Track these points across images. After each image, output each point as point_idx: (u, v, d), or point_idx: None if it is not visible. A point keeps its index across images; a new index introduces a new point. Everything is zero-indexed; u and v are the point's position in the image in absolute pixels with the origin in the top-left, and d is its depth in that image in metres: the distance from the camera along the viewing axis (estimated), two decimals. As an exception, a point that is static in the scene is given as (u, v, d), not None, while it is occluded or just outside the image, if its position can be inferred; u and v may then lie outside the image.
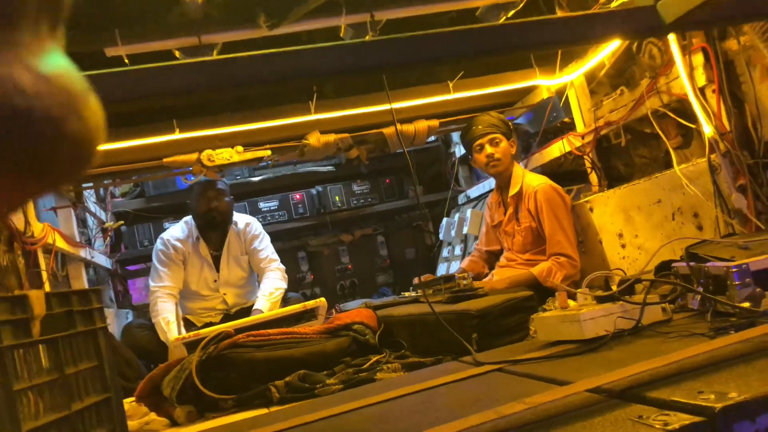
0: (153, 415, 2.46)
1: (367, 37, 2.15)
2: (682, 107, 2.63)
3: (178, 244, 3.68)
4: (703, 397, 1.01)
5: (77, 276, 3.37)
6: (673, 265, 1.90)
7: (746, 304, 1.52)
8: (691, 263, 1.78)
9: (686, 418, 0.95)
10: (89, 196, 3.95)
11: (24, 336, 1.12)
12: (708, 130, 2.38)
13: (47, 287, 2.73)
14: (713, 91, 2.40)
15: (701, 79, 2.43)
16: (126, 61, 2.10)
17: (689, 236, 2.49)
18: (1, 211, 0.23)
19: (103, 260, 3.97)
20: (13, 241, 2.51)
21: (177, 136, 3.01)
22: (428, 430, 1.13)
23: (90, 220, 3.90)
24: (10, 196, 0.22)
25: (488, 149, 3.22)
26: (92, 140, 0.22)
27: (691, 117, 2.53)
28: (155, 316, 3.43)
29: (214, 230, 3.71)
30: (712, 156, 2.41)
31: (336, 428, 1.47)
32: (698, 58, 2.43)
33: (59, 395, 1.19)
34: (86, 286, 3.48)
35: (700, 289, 1.70)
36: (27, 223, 2.50)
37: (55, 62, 0.21)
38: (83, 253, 3.43)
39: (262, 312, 3.40)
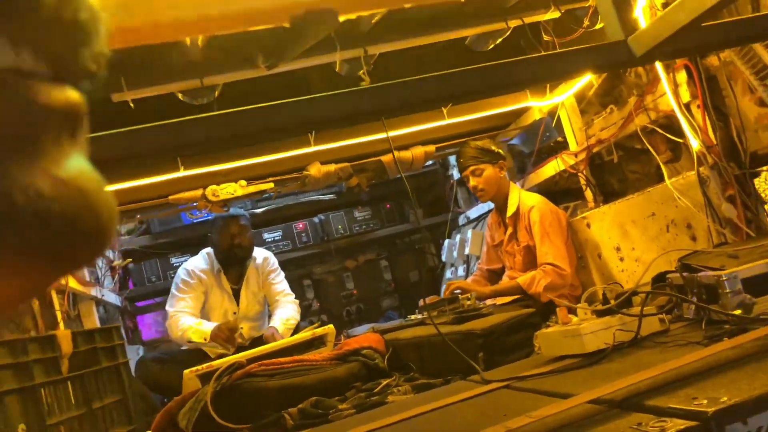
0: (170, 449, 2.49)
1: (360, 72, 2.25)
2: (670, 123, 2.72)
3: (203, 275, 3.73)
4: (696, 402, 1.07)
5: (88, 314, 3.43)
6: (668, 276, 1.96)
7: (738, 312, 1.59)
8: (685, 274, 1.85)
9: (681, 424, 1.01)
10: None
11: (54, 373, 1.19)
12: (695, 144, 2.47)
13: (62, 326, 2.80)
14: (698, 106, 2.49)
15: (686, 95, 2.52)
16: (131, 105, 2.20)
17: (684, 247, 2.56)
18: (22, 298, 0.26)
19: (112, 298, 4.04)
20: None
21: (181, 173, 3.09)
22: (441, 446, 1.20)
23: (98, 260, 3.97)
24: (29, 285, 0.25)
25: (472, 181, 3.32)
26: (105, 233, 0.26)
27: (679, 132, 2.62)
28: (180, 330, 3.44)
29: (234, 264, 3.77)
30: (701, 168, 2.49)
31: (352, 450, 1.53)
32: (682, 76, 2.52)
33: (88, 428, 1.25)
34: (97, 324, 3.54)
35: (694, 299, 1.76)
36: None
37: (73, 166, 0.25)
38: (94, 291, 3.50)
39: (277, 329, 3.46)
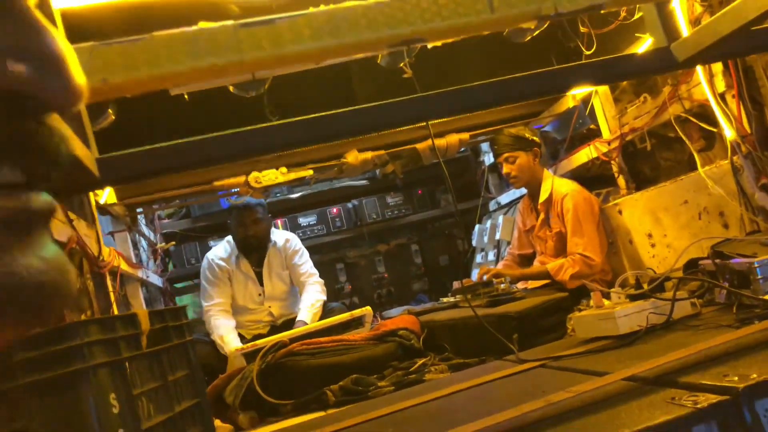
0: (218, 422, 2.63)
1: (402, 64, 2.33)
2: (704, 112, 2.75)
3: (222, 263, 3.89)
4: (728, 379, 1.16)
5: (135, 295, 3.59)
6: (700, 262, 2.03)
7: (769, 297, 1.65)
8: (717, 260, 1.92)
9: (714, 398, 1.10)
10: (141, 219, 4.19)
11: (136, 349, 1.31)
12: (729, 133, 2.51)
13: (114, 307, 2.95)
14: (733, 96, 2.53)
15: (721, 85, 2.56)
16: (186, 97, 2.31)
17: (715, 234, 2.61)
18: (10, 343, 0.34)
19: (155, 279, 4.21)
20: (83, 265, 2.73)
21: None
22: (485, 418, 1.29)
23: (142, 242, 4.14)
24: (19, 334, 0.33)
25: (505, 168, 3.40)
26: (73, 293, 0.35)
27: (713, 121, 2.65)
28: (212, 333, 3.64)
29: (253, 250, 3.92)
30: (735, 158, 2.53)
31: (396, 423, 1.62)
32: (717, 66, 2.55)
33: (164, 399, 1.38)
34: (143, 304, 3.71)
35: (726, 284, 1.83)
36: (99, 248, 2.73)
37: (51, 248, 0.33)
38: (140, 273, 3.66)
39: (306, 323, 3.59)
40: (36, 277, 0.32)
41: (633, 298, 1.93)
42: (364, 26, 0.72)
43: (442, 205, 5.67)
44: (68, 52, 0.33)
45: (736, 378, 1.14)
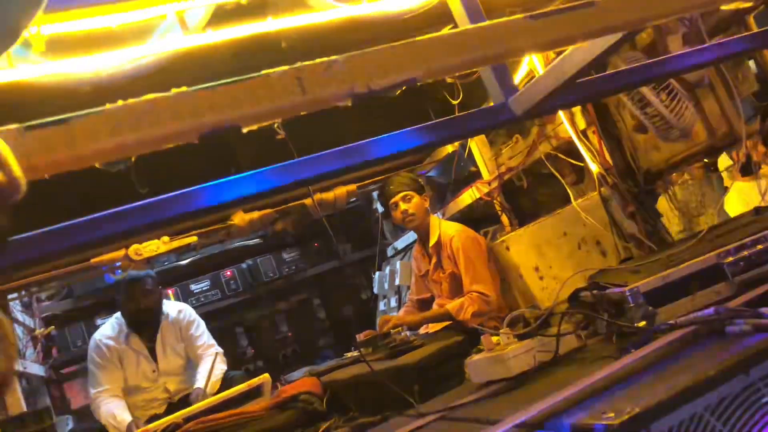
0: None
1: (276, 126, 2.30)
2: (571, 148, 2.91)
3: (111, 342, 3.64)
4: (606, 416, 1.18)
5: (11, 391, 3.28)
6: (580, 294, 2.10)
7: (642, 323, 1.73)
8: (594, 291, 1.99)
9: (596, 438, 1.12)
10: (14, 306, 3.87)
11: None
12: (594, 167, 2.66)
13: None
14: (593, 132, 2.69)
15: (581, 123, 2.72)
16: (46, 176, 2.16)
17: (596, 262, 2.74)
18: None
19: (36, 369, 3.87)
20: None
21: (101, 234, 3.04)
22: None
23: (18, 330, 3.81)
24: None
25: (402, 206, 3.42)
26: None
27: (580, 156, 2.81)
28: (103, 420, 3.37)
29: (145, 326, 3.70)
30: (602, 189, 2.68)
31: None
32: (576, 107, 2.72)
33: None
34: (21, 398, 3.39)
35: (605, 315, 1.90)
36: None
37: None
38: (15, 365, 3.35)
39: (202, 388, 3.41)
40: None
41: (521, 337, 1.96)
42: (168, 118, 0.69)
43: (341, 254, 5.64)
44: (4, 149, 0.34)
45: (613, 414, 1.17)
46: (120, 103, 0.66)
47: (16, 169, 0.30)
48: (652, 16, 0.97)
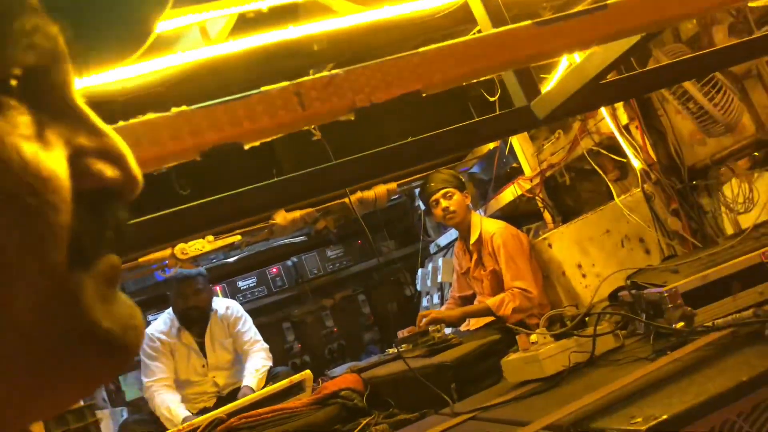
0: None
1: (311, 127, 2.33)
2: (614, 143, 2.85)
3: (163, 337, 3.77)
4: (633, 421, 1.16)
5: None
6: (619, 294, 2.07)
7: (680, 325, 1.69)
8: (633, 291, 1.95)
9: (620, 444, 1.10)
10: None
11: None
12: (636, 163, 2.60)
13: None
14: (636, 127, 2.63)
15: (624, 118, 2.66)
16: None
17: (639, 260, 2.68)
18: (79, 399, 0.41)
19: (91, 362, 4.03)
20: None
21: (149, 234, 3.14)
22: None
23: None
24: (93, 388, 0.37)
25: (443, 203, 3.42)
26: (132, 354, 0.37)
27: (622, 152, 2.75)
28: (157, 409, 3.49)
29: (194, 322, 3.82)
30: (645, 185, 2.62)
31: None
32: (617, 100, 2.66)
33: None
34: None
35: (643, 315, 1.86)
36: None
37: (124, 302, 0.36)
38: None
39: (252, 387, 3.49)
40: (127, 323, 0.35)
41: (558, 337, 1.94)
42: (168, 137, 0.71)
43: (384, 252, 5.66)
44: (124, 146, 0.37)
45: (641, 419, 1.15)
46: (121, 123, 0.69)
47: (135, 166, 0.34)
48: (665, 18, 0.94)
